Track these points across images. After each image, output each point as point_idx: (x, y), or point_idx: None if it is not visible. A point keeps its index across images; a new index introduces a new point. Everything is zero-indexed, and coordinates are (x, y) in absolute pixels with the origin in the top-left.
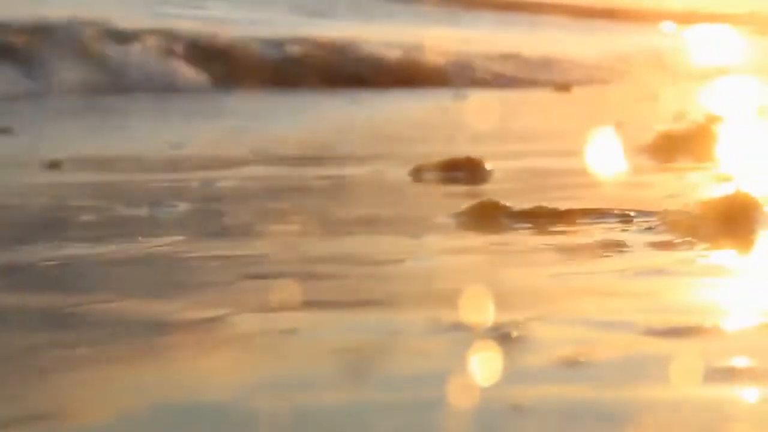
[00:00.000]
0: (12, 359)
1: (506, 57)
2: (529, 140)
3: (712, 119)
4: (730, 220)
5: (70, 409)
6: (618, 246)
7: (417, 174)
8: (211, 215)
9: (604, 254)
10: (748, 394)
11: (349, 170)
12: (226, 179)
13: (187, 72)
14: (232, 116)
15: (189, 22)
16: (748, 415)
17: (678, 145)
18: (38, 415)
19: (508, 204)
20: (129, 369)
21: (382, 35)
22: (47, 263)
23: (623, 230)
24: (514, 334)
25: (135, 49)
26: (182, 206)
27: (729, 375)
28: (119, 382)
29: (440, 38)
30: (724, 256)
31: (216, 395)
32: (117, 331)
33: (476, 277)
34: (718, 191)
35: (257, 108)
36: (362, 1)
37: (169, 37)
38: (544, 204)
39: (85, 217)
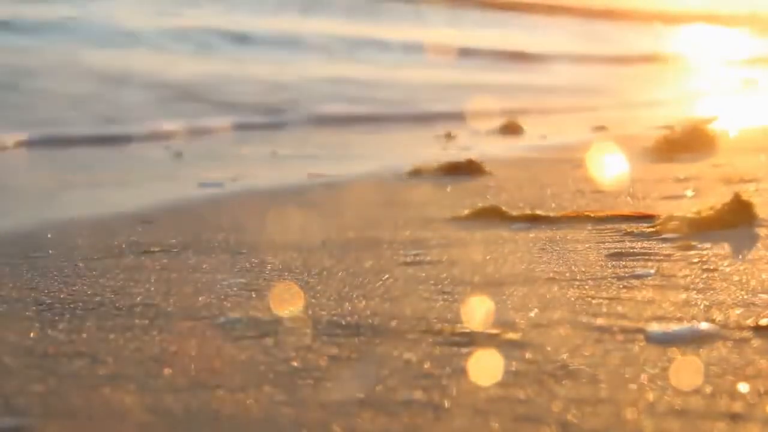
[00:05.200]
0: None
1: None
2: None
3: (711, 120)
4: (729, 224)
5: None
6: (618, 250)
7: (417, 175)
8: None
9: (604, 257)
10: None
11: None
12: None
13: None
14: None
15: None
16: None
17: (677, 148)
18: None
19: (508, 209)
20: None
21: None
22: None
23: (624, 234)
24: (514, 337)
25: None
26: None
27: (730, 378)
28: None
29: None
30: (723, 258)
31: None
32: None
33: (476, 279)
34: (716, 195)
35: None
36: None
37: None
38: (545, 208)
39: None
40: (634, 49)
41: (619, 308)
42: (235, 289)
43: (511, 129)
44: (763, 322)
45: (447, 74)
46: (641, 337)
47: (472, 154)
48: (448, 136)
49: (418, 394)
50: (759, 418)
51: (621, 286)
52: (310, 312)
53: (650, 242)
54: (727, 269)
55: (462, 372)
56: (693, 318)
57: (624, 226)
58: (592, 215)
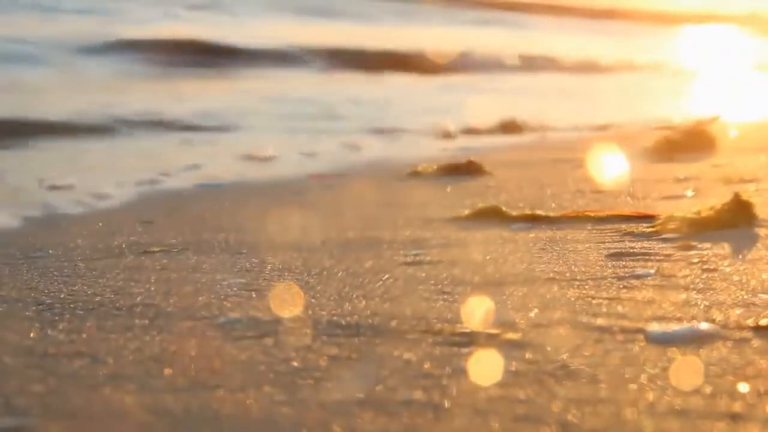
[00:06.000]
0: None
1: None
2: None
3: (711, 120)
4: (729, 224)
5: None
6: (618, 250)
7: (417, 176)
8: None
9: (604, 257)
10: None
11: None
12: None
13: None
14: None
15: None
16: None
17: (677, 148)
18: None
19: (508, 209)
20: None
21: None
22: None
23: (624, 234)
24: (514, 337)
25: None
26: None
27: (730, 378)
28: None
29: None
30: (723, 258)
31: None
32: None
33: (476, 279)
34: (716, 195)
35: None
36: None
37: None
38: (545, 208)
39: None
40: (633, 50)
41: (619, 308)
42: (235, 289)
43: (511, 129)
44: (763, 322)
45: (447, 74)
46: (641, 337)
47: (472, 154)
48: (448, 136)
49: (418, 394)
50: (759, 418)
51: (621, 286)
52: (310, 312)
53: (650, 242)
54: (727, 269)
55: (462, 372)
56: (693, 318)
57: (624, 226)
58: (592, 215)
